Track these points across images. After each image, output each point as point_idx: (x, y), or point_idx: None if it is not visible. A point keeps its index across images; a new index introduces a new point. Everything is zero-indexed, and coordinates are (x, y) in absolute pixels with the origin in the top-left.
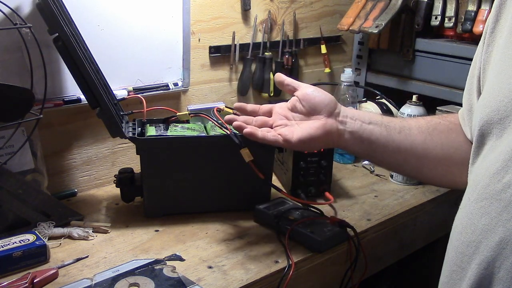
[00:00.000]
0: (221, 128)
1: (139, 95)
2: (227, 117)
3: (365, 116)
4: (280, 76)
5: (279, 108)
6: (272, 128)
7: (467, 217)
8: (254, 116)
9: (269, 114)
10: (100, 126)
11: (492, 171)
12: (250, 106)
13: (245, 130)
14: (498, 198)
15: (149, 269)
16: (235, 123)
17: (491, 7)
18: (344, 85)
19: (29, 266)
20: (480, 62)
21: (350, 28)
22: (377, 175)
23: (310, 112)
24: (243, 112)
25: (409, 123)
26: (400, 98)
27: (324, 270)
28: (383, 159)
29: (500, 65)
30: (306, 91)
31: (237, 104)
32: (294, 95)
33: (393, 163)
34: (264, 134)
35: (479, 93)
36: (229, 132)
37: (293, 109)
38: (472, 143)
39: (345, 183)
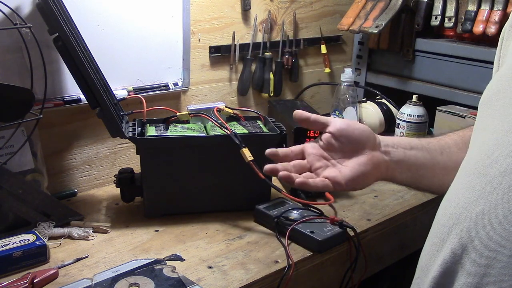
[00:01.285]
0: (221, 128)
1: (139, 95)
2: (266, 167)
3: (405, 142)
4: (302, 114)
5: (312, 148)
6: (311, 172)
7: (452, 192)
8: (288, 161)
9: (301, 156)
10: (100, 126)
11: (483, 149)
12: (281, 151)
13: (296, 181)
14: (484, 173)
15: (149, 269)
16: (282, 174)
17: (491, 7)
18: (344, 85)
19: (29, 266)
20: (499, 55)
21: (350, 28)
22: None
23: (351, 148)
24: (275, 158)
25: (447, 142)
26: (400, 98)
27: (324, 270)
28: (432, 183)
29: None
30: (340, 126)
31: (269, 151)
32: (326, 132)
33: (442, 185)
34: (315, 182)
35: None
36: (229, 132)
37: (329, 148)
38: None
39: None
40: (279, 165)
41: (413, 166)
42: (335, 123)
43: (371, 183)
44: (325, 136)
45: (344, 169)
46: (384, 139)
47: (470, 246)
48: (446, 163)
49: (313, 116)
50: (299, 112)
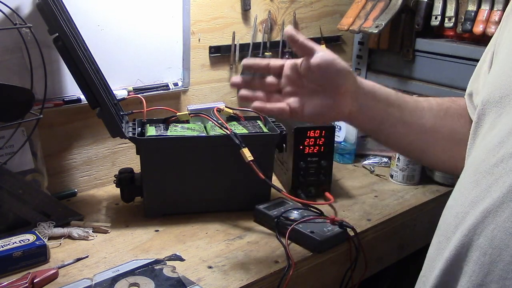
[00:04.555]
0: (221, 128)
1: (139, 95)
2: (234, 80)
3: (380, 93)
4: (292, 31)
5: (290, 69)
6: (280, 92)
7: (459, 191)
8: (263, 71)
9: (279, 70)
10: (100, 126)
11: (489, 147)
12: (261, 62)
13: (252, 105)
14: (491, 172)
15: (149, 269)
16: (245, 93)
17: (491, 7)
18: None
19: (29, 266)
20: (495, 39)
21: (350, 28)
22: (377, 175)
23: (324, 85)
24: (257, 69)
25: (422, 105)
26: None
27: (324, 270)
28: (389, 139)
29: (508, 46)
30: (320, 63)
31: (246, 62)
32: (310, 62)
33: (399, 144)
34: (271, 107)
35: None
36: (229, 132)
37: (305, 75)
38: None
39: (345, 183)
40: (250, 92)
41: (377, 120)
42: (317, 58)
43: (328, 122)
44: (306, 63)
45: (308, 105)
46: (361, 85)
47: (474, 244)
48: (411, 124)
49: (300, 39)
50: (290, 30)
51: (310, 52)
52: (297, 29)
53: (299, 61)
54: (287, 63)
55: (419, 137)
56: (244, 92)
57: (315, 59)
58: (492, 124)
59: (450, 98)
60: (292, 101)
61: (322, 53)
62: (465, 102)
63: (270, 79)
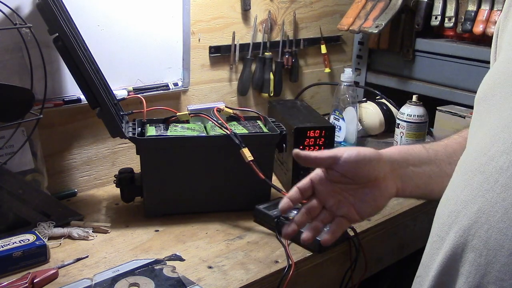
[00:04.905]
0: (221, 128)
1: (139, 95)
2: (287, 231)
3: (414, 158)
4: (301, 154)
5: (321, 185)
6: (325, 208)
7: (451, 190)
8: (298, 202)
9: (310, 191)
10: (100, 126)
11: (480, 146)
12: (292, 197)
13: (322, 240)
14: (482, 171)
15: (149, 269)
16: (304, 236)
17: (491, 7)
18: (344, 85)
19: (29, 266)
20: (496, 41)
21: (350, 28)
22: None
23: (361, 181)
24: (295, 203)
25: (453, 148)
26: (400, 98)
27: (324, 270)
28: (441, 194)
29: (507, 47)
30: (348, 166)
31: (284, 206)
32: (336, 169)
33: None
34: (333, 232)
35: None
36: (229, 132)
37: (338, 181)
38: None
39: None
40: (295, 225)
41: (422, 183)
42: (344, 163)
43: (383, 207)
44: (334, 173)
45: (360, 207)
46: (392, 159)
47: (469, 245)
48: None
49: (316, 156)
50: (300, 154)
51: (332, 162)
52: (300, 149)
53: (322, 172)
54: (313, 179)
55: None
56: (305, 236)
57: (342, 165)
58: (482, 122)
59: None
60: (343, 210)
61: (345, 157)
62: None
63: (313, 204)
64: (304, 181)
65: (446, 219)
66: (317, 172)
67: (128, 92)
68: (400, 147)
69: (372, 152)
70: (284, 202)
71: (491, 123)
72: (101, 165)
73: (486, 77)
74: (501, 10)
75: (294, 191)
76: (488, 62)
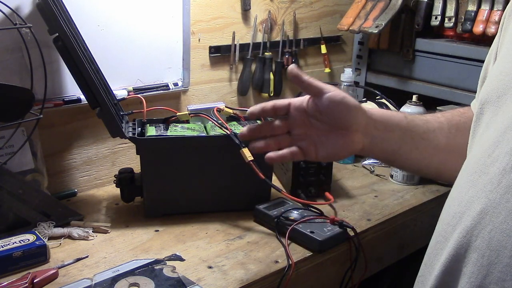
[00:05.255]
0: (221, 128)
1: (139, 95)
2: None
3: (391, 123)
4: (296, 71)
5: (297, 110)
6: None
7: (456, 190)
8: (272, 115)
9: (285, 110)
10: (100, 126)
11: (485, 147)
12: (265, 106)
13: (266, 157)
14: (486, 172)
15: (149, 269)
16: (256, 145)
17: (491, 7)
18: (344, 85)
19: (29, 266)
20: (497, 42)
21: (350, 28)
22: (377, 175)
23: (335, 124)
24: (262, 114)
25: (433, 126)
26: (400, 98)
27: (324, 270)
28: (404, 165)
29: (509, 46)
30: (330, 104)
31: (251, 111)
32: (319, 103)
33: (414, 168)
34: (283, 154)
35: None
36: (229, 132)
37: (314, 115)
38: None
39: (345, 183)
40: (261, 143)
41: (391, 150)
42: (326, 100)
43: (342, 159)
44: (313, 105)
45: (320, 147)
46: (371, 118)
47: (472, 245)
48: (425, 148)
49: (306, 79)
50: (294, 70)
51: (317, 92)
52: (298, 67)
53: (304, 101)
54: (293, 104)
55: (434, 159)
56: (255, 145)
57: (324, 101)
58: (488, 124)
59: (458, 110)
60: (304, 144)
61: (331, 94)
62: (473, 113)
63: (278, 123)
64: (283, 101)
65: (451, 220)
66: (299, 99)
67: (128, 92)
68: (384, 111)
69: (356, 103)
70: (253, 107)
71: (496, 125)
72: (101, 165)
73: (492, 79)
74: (501, 10)
75: (270, 104)
76: None
